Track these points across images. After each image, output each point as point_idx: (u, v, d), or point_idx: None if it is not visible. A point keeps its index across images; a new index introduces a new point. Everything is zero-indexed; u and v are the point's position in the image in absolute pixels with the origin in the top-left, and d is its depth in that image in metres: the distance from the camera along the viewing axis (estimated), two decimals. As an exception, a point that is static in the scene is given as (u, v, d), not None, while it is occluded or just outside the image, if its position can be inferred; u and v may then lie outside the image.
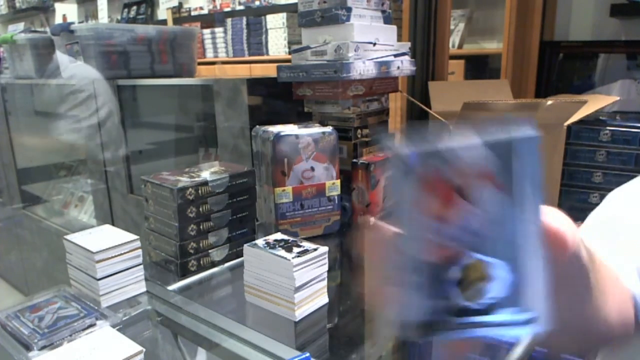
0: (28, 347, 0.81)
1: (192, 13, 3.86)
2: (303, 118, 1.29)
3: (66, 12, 4.34)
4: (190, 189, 0.97)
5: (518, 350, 0.64)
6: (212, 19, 3.73)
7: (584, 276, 0.38)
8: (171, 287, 0.99)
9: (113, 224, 1.01)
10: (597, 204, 0.58)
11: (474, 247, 0.29)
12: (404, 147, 0.28)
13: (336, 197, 1.14)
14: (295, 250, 0.82)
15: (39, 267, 2.31)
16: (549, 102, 1.14)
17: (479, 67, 2.26)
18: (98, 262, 0.91)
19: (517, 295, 0.30)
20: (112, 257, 0.93)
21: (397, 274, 0.29)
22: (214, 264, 1.03)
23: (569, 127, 1.17)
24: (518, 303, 0.30)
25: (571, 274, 0.36)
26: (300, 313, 0.80)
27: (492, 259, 0.29)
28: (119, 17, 4.29)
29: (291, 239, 0.87)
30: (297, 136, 1.08)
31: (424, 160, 0.28)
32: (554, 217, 0.31)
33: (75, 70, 1.79)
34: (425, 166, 0.28)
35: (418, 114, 1.61)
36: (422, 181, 0.28)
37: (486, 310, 0.30)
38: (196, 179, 1.01)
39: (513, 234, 0.29)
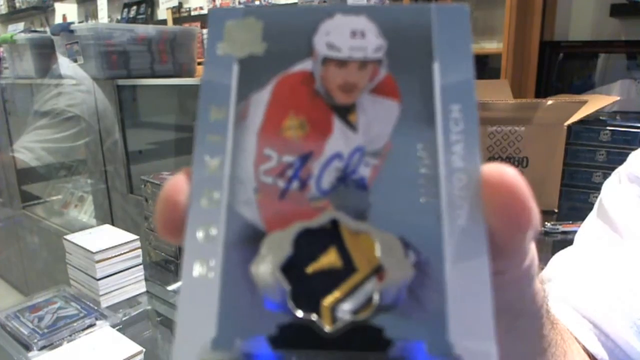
0: (28, 347, 0.81)
1: (192, 13, 3.86)
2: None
3: (66, 11, 4.34)
4: (190, 189, 0.97)
5: None
6: (212, 19, 3.73)
7: (537, 309, 0.23)
8: (171, 287, 0.99)
9: (113, 224, 1.01)
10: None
11: (348, 204, 0.16)
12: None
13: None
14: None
15: (38, 267, 2.31)
16: (549, 102, 1.14)
17: (479, 67, 2.26)
18: (98, 262, 0.91)
19: (433, 318, 0.15)
20: (112, 257, 0.93)
21: (186, 252, 0.15)
22: (213, 264, 1.03)
23: (569, 127, 1.17)
24: (433, 334, 0.15)
25: (520, 292, 0.21)
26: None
27: (382, 233, 0.15)
28: (119, 17, 4.29)
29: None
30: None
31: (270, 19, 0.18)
32: (500, 168, 0.16)
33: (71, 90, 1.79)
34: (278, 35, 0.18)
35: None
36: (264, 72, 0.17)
37: (361, 343, 0.15)
38: (196, 179, 1.01)
39: (426, 186, 0.16)
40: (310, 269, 0.15)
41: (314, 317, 0.15)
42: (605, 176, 0.50)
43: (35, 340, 0.81)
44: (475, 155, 0.16)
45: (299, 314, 0.15)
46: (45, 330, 0.83)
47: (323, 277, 0.15)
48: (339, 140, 0.17)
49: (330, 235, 0.16)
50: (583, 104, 1.14)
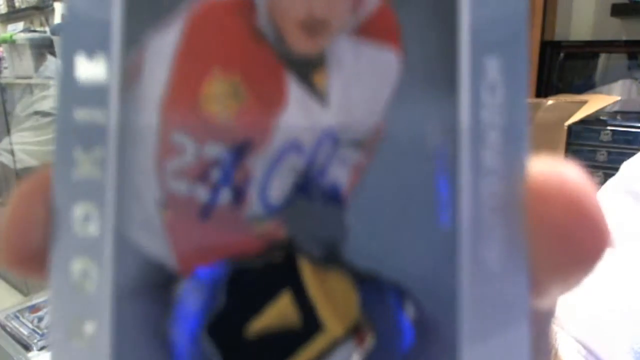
0: (27, 348, 0.80)
1: (192, 13, 3.86)
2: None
3: (66, 11, 4.34)
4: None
5: None
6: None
7: (549, 351, 0.20)
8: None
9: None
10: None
11: (311, 227, 0.10)
12: None
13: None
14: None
15: (38, 267, 2.31)
16: (550, 102, 1.14)
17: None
18: (98, 262, 0.91)
19: None
20: (112, 257, 0.93)
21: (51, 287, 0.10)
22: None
23: (569, 127, 1.17)
24: None
25: (539, 332, 0.14)
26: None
27: (364, 272, 0.10)
28: (119, 17, 4.29)
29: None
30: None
31: None
32: (559, 170, 0.10)
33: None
34: None
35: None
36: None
37: None
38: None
39: (438, 199, 0.10)
40: (252, 328, 0.10)
41: None
42: (606, 176, 0.50)
43: (35, 341, 0.80)
44: (520, 147, 0.10)
45: None
46: (45, 331, 0.83)
47: (271, 340, 0.10)
48: (298, 119, 0.10)
49: (282, 275, 0.10)
50: (583, 104, 1.14)
